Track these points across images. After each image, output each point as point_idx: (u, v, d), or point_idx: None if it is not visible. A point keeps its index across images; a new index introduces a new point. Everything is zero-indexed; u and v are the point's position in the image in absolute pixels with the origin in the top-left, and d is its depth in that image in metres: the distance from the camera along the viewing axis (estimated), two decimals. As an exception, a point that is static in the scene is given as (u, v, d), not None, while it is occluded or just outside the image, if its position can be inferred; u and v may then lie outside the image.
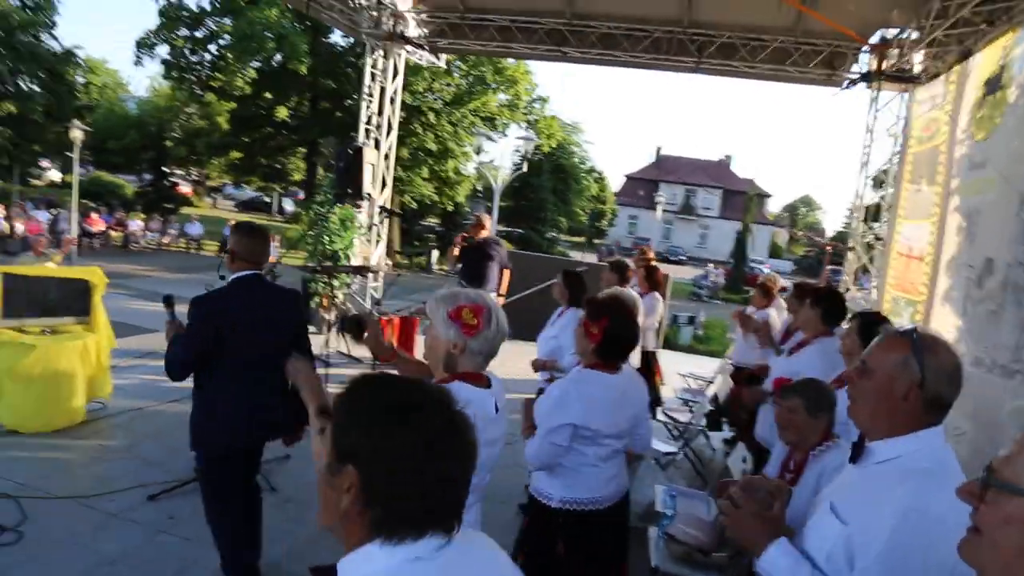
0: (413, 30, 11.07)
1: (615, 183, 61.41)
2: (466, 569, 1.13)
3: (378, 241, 11.60)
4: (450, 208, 32.40)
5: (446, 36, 11.15)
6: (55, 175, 44.90)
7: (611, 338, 2.87)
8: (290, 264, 11.85)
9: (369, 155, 10.80)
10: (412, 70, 23.41)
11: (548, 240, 38.28)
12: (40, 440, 5.32)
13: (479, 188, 33.80)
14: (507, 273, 8.20)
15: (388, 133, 11.61)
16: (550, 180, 38.33)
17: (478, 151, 16.05)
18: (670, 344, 15.07)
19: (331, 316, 9.63)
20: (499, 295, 8.22)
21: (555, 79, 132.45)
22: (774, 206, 70.32)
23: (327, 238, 10.17)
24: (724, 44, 9.69)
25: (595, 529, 2.93)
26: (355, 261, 10.98)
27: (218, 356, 3.31)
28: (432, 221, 38.78)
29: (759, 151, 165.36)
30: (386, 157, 11.67)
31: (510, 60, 25.20)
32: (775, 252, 57.45)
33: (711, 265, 39.28)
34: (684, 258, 50.59)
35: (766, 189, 69.87)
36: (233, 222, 6.09)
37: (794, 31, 9.36)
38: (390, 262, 11.54)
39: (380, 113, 11.45)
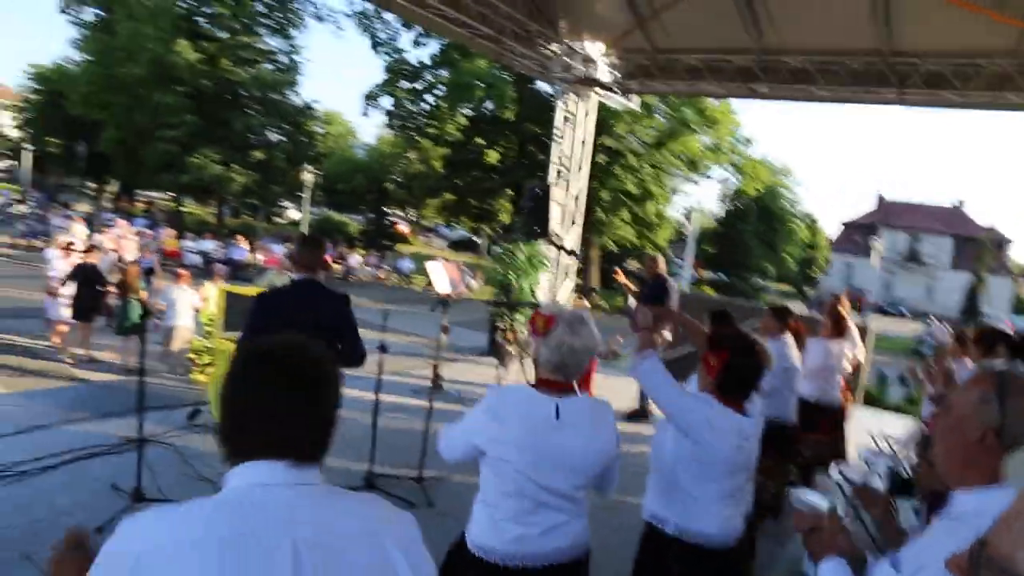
0: (604, 73, 11.36)
1: (831, 230, 58.06)
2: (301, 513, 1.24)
3: (565, 279, 11.87)
4: (651, 251, 32.24)
5: (636, 78, 11.33)
6: (294, 214, 50.17)
7: (730, 373, 2.80)
8: (476, 298, 12.40)
9: (557, 195, 11.16)
10: (612, 113, 23.85)
11: (753, 287, 36.90)
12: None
13: (684, 232, 33.45)
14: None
15: (579, 174, 11.93)
16: (756, 225, 37.07)
17: (674, 193, 16.07)
18: (873, 401, 13.92)
19: (514, 349, 9.97)
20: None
21: (763, 119, 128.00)
22: (1019, 254, 62.64)
23: (513, 274, 10.58)
24: (930, 73, 9.01)
25: (708, 567, 2.86)
26: (541, 298, 11.33)
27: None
28: (634, 265, 38.78)
29: (1000, 194, 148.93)
30: (576, 198, 11.96)
31: (713, 101, 24.91)
32: (1020, 307, 51.08)
33: (932, 318, 35.75)
34: (905, 312, 46.27)
35: (1008, 235, 62.53)
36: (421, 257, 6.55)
37: (1016, 52, 8.48)
38: (586, 302, 11.68)
39: (571, 155, 11.80)
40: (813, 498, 3.52)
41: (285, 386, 1.29)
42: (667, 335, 8.50)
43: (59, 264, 10.65)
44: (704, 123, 26.38)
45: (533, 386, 2.41)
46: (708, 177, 28.81)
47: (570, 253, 10.66)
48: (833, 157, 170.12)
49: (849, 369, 6.86)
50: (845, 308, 7.28)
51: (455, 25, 9.69)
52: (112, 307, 10.65)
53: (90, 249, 11.31)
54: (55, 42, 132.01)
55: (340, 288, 4.48)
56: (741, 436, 2.78)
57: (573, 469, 2.37)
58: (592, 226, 28.35)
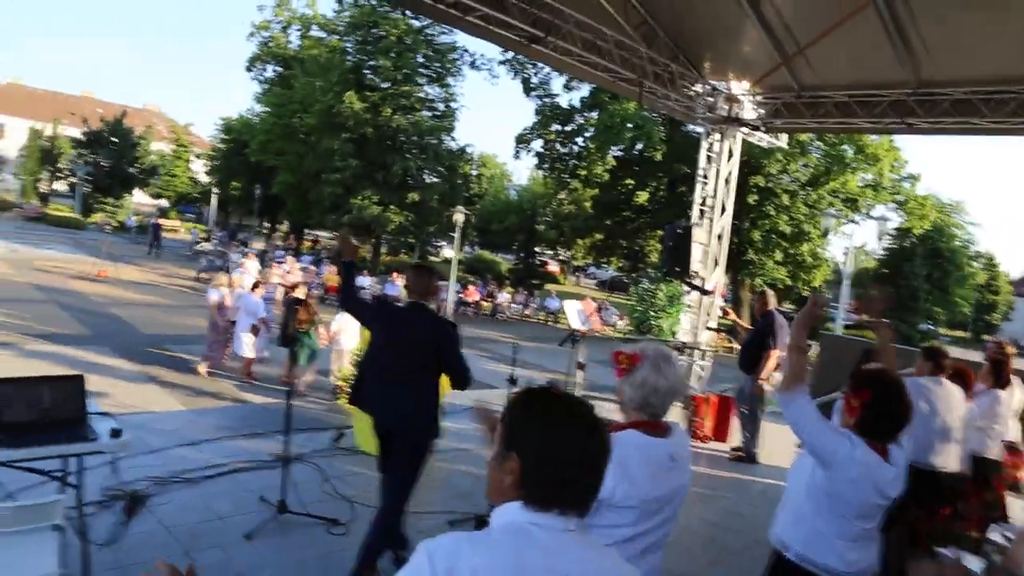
0: (749, 112, 11.21)
1: (1016, 272, 53.25)
2: (570, 555, 1.38)
3: (707, 319, 11.67)
4: (806, 293, 30.95)
5: (782, 116, 11.09)
6: (449, 252, 52.09)
7: (872, 414, 2.71)
8: (614, 336, 12.41)
9: (699, 235, 11.05)
10: (765, 153, 23.27)
11: (921, 333, 34.38)
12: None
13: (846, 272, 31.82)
14: (772, 354, 7.84)
15: (722, 214, 11.76)
16: (924, 266, 34.63)
17: (826, 233, 15.33)
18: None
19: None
20: (759, 378, 7.92)
21: (937, 154, 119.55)
22: None
23: (652, 313, 10.55)
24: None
25: None
26: (682, 337, 11.20)
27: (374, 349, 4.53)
28: (788, 307, 37.25)
29: None
30: (719, 237, 11.79)
31: (873, 137, 23.74)
32: None
33: None
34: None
35: None
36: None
37: None
38: (735, 343, 11.45)
39: (715, 194, 11.67)
40: (965, 559, 3.38)
41: (596, 458, 1.44)
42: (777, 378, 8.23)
43: (259, 305, 11.40)
44: (863, 160, 25.16)
45: (636, 429, 2.33)
46: (869, 216, 27.32)
47: (703, 292, 10.47)
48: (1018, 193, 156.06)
49: (1014, 424, 6.33)
50: (1010, 355, 6.75)
51: (597, 70, 9.93)
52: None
53: (257, 284, 12.36)
54: (243, 97, 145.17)
55: (479, 323, 4.77)
56: (879, 482, 2.70)
57: (673, 501, 2.37)
58: (743, 267, 27.59)
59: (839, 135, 23.21)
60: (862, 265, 40.36)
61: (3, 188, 56.45)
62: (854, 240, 33.99)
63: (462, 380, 4.31)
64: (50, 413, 3.91)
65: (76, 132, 48.26)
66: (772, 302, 8.42)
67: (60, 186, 51.95)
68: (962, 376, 5.48)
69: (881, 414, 2.71)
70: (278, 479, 5.03)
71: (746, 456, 8.37)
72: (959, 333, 42.92)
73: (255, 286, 12.10)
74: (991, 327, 46.98)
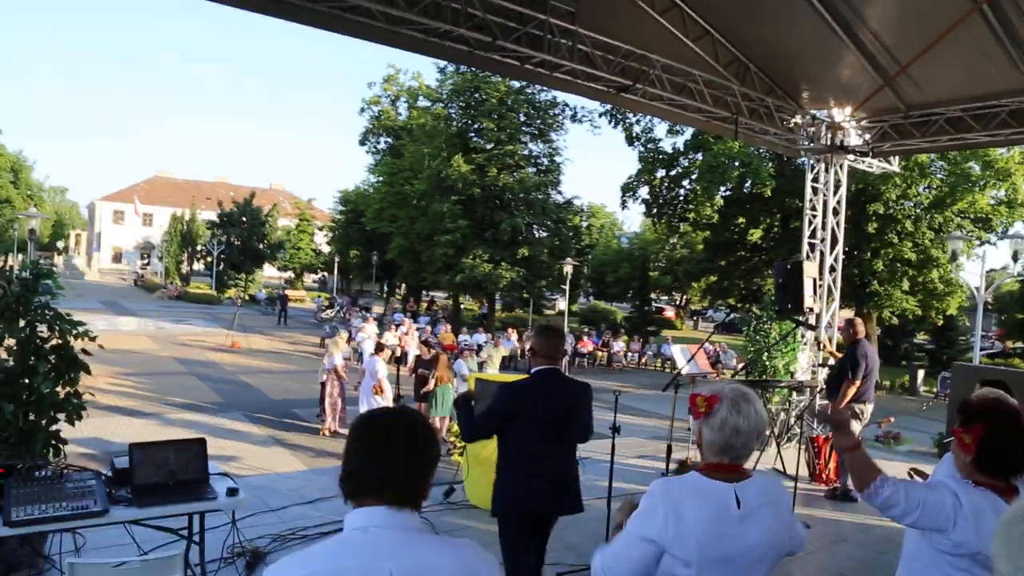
0: (854, 138, 10.86)
1: None
2: (392, 551, 1.54)
3: (826, 358, 11.16)
4: (940, 322, 29.08)
5: (890, 139, 10.68)
6: (563, 305, 52.30)
7: (989, 449, 2.45)
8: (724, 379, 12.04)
9: (810, 269, 10.65)
10: (880, 179, 22.27)
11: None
12: (491, 516, 6.40)
13: (990, 299, 29.73)
14: (851, 385, 7.40)
15: (833, 246, 11.33)
16: (1076, 285, 31.89)
17: (954, 257, 14.42)
18: None
19: (772, 432, 9.56)
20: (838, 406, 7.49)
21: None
22: None
23: (766, 353, 10.20)
24: None
25: None
26: (800, 376, 10.75)
27: (514, 433, 4.00)
28: (923, 338, 35.13)
29: None
30: (832, 270, 11.35)
31: (1001, 151, 22.29)
32: None
33: None
34: None
35: None
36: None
37: None
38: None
39: (824, 226, 11.29)
40: None
41: (388, 443, 1.64)
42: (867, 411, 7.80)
43: (381, 367, 11.75)
44: (992, 176, 23.58)
45: (702, 472, 2.21)
46: (1005, 235, 25.47)
47: (808, 327, 10.03)
48: None
49: None
50: None
51: (689, 111, 9.90)
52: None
53: (381, 348, 12.99)
54: (358, 169, 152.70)
55: (594, 373, 4.72)
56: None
57: (761, 560, 2.19)
58: (868, 299, 26.24)
59: (962, 152, 21.94)
60: (1003, 288, 37.57)
61: (151, 271, 61.49)
62: (990, 262, 31.70)
63: (585, 440, 4.26)
64: (175, 475, 4.19)
65: (212, 215, 52.13)
66: (861, 331, 8.04)
67: (198, 266, 55.96)
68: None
69: (999, 447, 2.45)
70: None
71: (840, 494, 7.90)
72: None
73: (379, 349, 12.75)
74: None
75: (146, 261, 69.47)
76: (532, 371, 4.15)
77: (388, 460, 1.61)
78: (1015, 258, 14.42)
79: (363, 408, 11.68)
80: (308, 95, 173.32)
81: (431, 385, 11.64)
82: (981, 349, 25.03)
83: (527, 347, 22.02)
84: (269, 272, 60.53)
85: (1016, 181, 23.81)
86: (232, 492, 4.16)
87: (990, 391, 3.99)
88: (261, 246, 51.55)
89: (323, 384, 12.15)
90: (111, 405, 12.35)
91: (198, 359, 20.57)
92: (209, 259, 51.40)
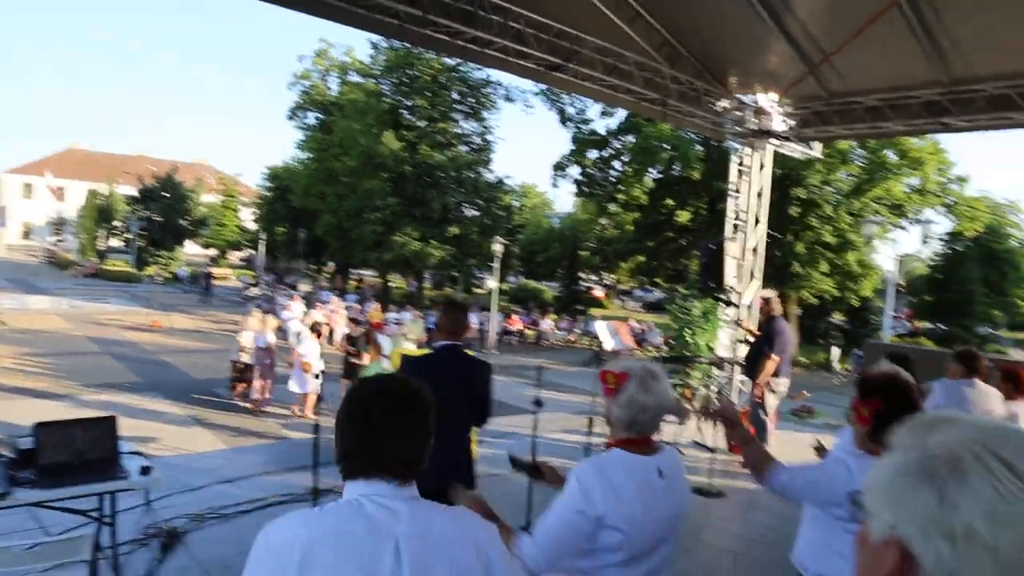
0: (778, 124, 11.09)
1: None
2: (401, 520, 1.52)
3: (745, 335, 11.47)
4: (856, 303, 30.26)
5: (813, 125, 10.96)
6: (492, 283, 52.36)
7: (884, 422, 2.48)
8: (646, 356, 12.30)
9: (732, 249, 10.91)
10: (805, 164, 22.96)
11: (979, 337, 33.21)
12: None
13: (902, 282, 31.10)
14: (769, 360, 7.68)
15: (756, 227, 11.62)
16: (978, 269, 33.55)
17: (868, 240, 15.00)
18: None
19: (692, 406, 9.80)
20: (755, 383, 7.77)
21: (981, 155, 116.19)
22: None
23: (688, 330, 10.43)
24: None
25: None
26: (721, 352, 11.02)
27: None
28: (839, 318, 36.46)
29: None
30: (754, 251, 11.63)
31: (915, 141, 23.26)
32: None
33: None
34: None
35: None
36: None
37: None
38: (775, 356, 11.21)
39: (748, 208, 11.55)
40: None
41: (392, 415, 1.60)
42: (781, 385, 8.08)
43: (311, 346, 11.72)
44: (907, 165, 24.60)
45: (622, 448, 2.28)
46: (917, 222, 26.70)
47: (728, 303, 10.30)
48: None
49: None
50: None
51: (620, 92, 9.96)
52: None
53: (317, 327, 12.96)
54: (286, 145, 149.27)
55: (523, 351, 4.68)
56: None
57: (676, 523, 2.34)
58: (789, 280, 27.12)
59: (880, 140, 22.81)
60: (915, 271, 39.34)
61: (64, 248, 58.82)
62: (902, 247, 33.12)
63: (483, 420, 4.14)
64: (83, 454, 4.01)
65: (131, 190, 50.09)
66: (777, 308, 8.31)
67: (116, 243, 53.85)
68: (1013, 377, 5.29)
69: (893, 421, 2.61)
70: (311, 512, 5.07)
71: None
72: (1022, 335, 41.29)
73: (314, 328, 12.80)
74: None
75: (59, 237, 66.28)
76: (434, 346, 4.12)
77: (391, 434, 1.57)
78: (924, 242, 15.16)
79: (293, 386, 11.55)
80: (235, 67, 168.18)
81: (366, 360, 11.51)
82: (892, 329, 26.24)
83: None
84: (192, 249, 58.63)
85: (928, 170, 24.89)
86: (146, 471, 4.01)
87: (889, 366, 4.18)
88: (184, 222, 49.78)
89: (235, 362, 12.34)
90: (16, 387, 11.83)
91: (115, 338, 19.82)
92: (128, 236, 49.46)
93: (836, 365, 27.07)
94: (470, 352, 4.20)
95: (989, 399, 4.86)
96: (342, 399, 1.65)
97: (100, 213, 51.38)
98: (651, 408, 2.25)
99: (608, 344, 7.65)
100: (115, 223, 51.94)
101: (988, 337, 34.23)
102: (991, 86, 9.01)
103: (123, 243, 52.17)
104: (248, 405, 11.78)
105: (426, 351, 4.79)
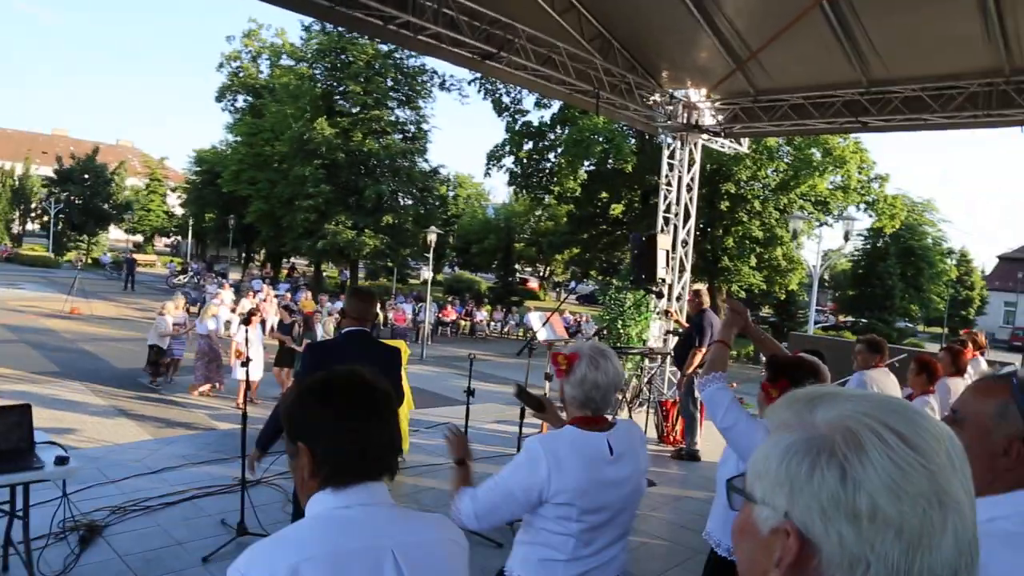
0: (708, 119, 11.36)
1: (989, 266, 54.01)
2: (388, 527, 1.43)
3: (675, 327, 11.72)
4: (782, 297, 31.20)
5: (740, 120, 11.24)
6: (427, 274, 52.09)
7: None
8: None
9: (663, 242, 11.12)
10: (735, 160, 23.50)
11: (898, 331, 34.70)
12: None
13: (826, 276, 32.16)
14: (699, 351, 7.97)
15: (686, 221, 11.87)
16: (897, 265, 35.01)
17: (795, 235, 15.54)
18: None
19: (619, 395, 9.96)
20: (683, 373, 8.06)
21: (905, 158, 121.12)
22: None
23: (620, 321, 10.59)
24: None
25: None
26: (652, 344, 11.25)
27: None
28: (767, 311, 37.52)
29: None
30: (684, 244, 11.89)
31: (839, 140, 24.08)
32: None
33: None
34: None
35: None
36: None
37: None
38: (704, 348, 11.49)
39: (678, 202, 11.78)
40: None
41: (379, 422, 1.47)
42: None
43: (241, 335, 11.74)
44: (831, 162, 25.46)
45: (575, 425, 2.36)
46: (840, 218, 27.66)
47: (658, 296, 10.52)
48: (989, 187, 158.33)
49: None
50: (979, 343, 6.94)
51: (553, 83, 10.02)
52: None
53: (251, 316, 12.96)
54: (215, 128, 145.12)
55: (457, 342, 4.69)
56: None
57: (633, 496, 2.41)
58: (719, 273, 27.78)
59: (806, 138, 23.54)
60: (838, 267, 40.76)
61: (-26, 230, 55.91)
62: (826, 243, 34.28)
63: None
64: (-6, 444, 3.87)
65: (49, 171, 47.89)
66: (707, 301, 8.54)
67: (33, 226, 51.52)
68: (928, 367, 5.59)
69: None
70: (238, 502, 4.99)
71: (686, 454, 8.42)
72: (936, 329, 43.31)
73: (250, 316, 12.60)
74: (967, 322, 47.47)
75: (-31, 220, 62.99)
76: (341, 331, 4.12)
77: (368, 432, 1.44)
78: (847, 238, 15.76)
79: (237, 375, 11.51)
80: (160, 44, 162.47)
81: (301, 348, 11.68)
82: (816, 322, 27.17)
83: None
84: (116, 235, 56.51)
85: (850, 168, 25.81)
86: (61, 461, 3.89)
87: (804, 356, 4.40)
88: (106, 206, 47.79)
89: (154, 347, 12.58)
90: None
91: (31, 326, 19.01)
92: (46, 219, 47.34)
93: (763, 358, 27.82)
94: (390, 341, 4.24)
95: (883, 383, 5.15)
96: (290, 390, 1.56)
97: (14, 194, 49.00)
98: (602, 386, 2.33)
99: (541, 335, 7.73)
100: (32, 205, 49.61)
101: (906, 331, 35.80)
102: (906, 88, 9.41)
103: (40, 227, 49.93)
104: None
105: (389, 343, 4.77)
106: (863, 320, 34.74)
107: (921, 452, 0.73)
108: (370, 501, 1.42)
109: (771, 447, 0.80)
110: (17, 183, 48.92)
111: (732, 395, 2.82)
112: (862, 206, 28.57)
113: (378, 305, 4.46)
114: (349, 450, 1.41)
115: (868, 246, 36.35)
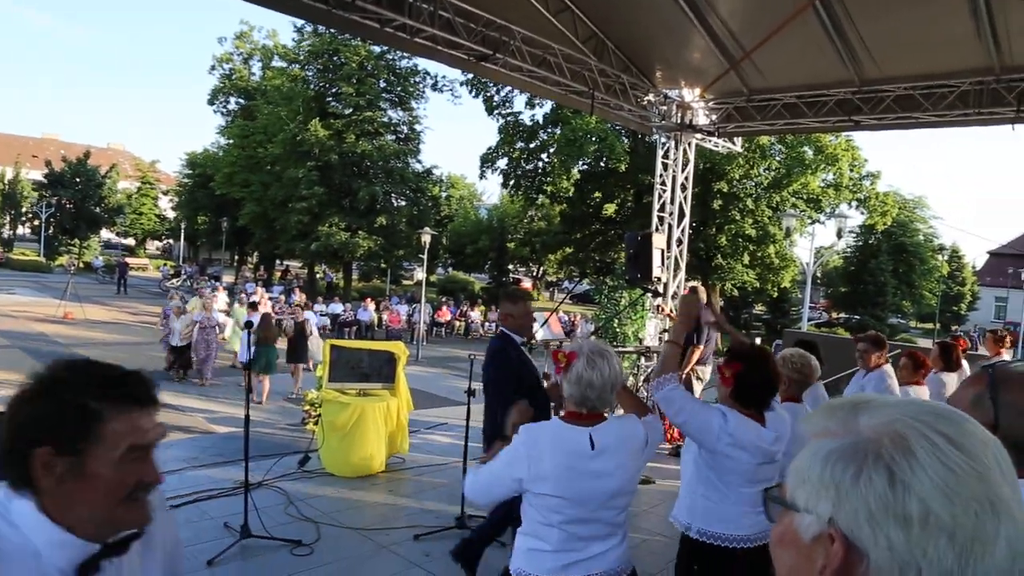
0: (701, 118, 11.41)
1: (979, 262, 54.36)
2: None
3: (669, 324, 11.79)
4: (775, 294, 31.32)
5: (734, 120, 11.30)
6: (420, 275, 52.05)
7: (743, 384, 2.92)
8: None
9: (658, 241, 11.17)
10: (727, 159, 23.59)
11: (890, 327, 34.87)
12: (346, 482, 6.40)
13: (819, 273, 32.34)
14: (695, 350, 8.02)
15: (680, 220, 11.92)
16: (889, 262, 35.19)
17: (788, 233, 15.63)
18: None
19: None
20: (682, 373, 8.09)
21: (899, 153, 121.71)
22: None
23: (616, 320, 10.64)
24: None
25: (731, 566, 2.93)
26: (648, 342, 11.29)
27: None
28: (760, 309, 37.67)
29: None
30: (679, 242, 11.94)
31: (830, 138, 24.21)
32: None
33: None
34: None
35: None
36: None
37: None
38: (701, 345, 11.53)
39: (673, 201, 11.84)
40: None
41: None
42: (706, 372, 8.40)
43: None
44: (823, 160, 25.60)
45: (563, 420, 2.46)
46: (832, 215, 27.82)
47: (654, 294, 10.56)
48: (984, 183, 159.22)
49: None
50: (963, 346, 7.02)
51: (548, 84, 10.05)
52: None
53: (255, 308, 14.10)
54: (207, 131, 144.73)
55: (452, 342, 4.77)
56: (759, 446, 2.89)
57: (617, 493, 2.44)
58: (713, 272, 27.89)
59: (797, 137, 23.68)
60: (831, 264, 40.94)
61: (-35, 235, 55.61)
62: (819, 240, 34.44)
63: None
64: None
65: (39, 175, 47.66)
66: (701, 296, 8.56)
67: (24, 230, 51.28)
68: (916, 360, 5.67)
69: (751, 383, 2.92)
70: (242, 505, 5.01)
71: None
72: (928, 325, 43.54)
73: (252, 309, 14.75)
74: (959, 318, 47.75)
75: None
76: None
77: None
78: (839, 235, 15.85)
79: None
80: (152, 48, 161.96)
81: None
82: (809, 319, 27.26)
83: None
84: (108, 238, 56.30)
85: (842, 166, 25.95)
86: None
87: (793, 349, 4.50)
88: (98, 210, 47.63)
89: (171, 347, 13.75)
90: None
91: (24, 331, 18.96)
92: (37, 223, 47.12)
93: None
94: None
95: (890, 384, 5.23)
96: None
97: (5, 198, 48.77)
98: (598, 385, 2.40)
99: (538, 334, 7.76)
100: (23, 209, 49.36)
101: (898, 327, 36.00)
102: (898, 86, 9.49)
103: (31, 231, 49.69)
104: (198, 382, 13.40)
105: (380, 344, 4.84)
106: (856, 317, 34.91)
107: (970, 455, 0.72)
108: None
109: (812, 453, 0.79)
110: (7, 187, 48.71)
111: (683, 391, 2.95)
112: (854, 203, 28.73)
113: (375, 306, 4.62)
114: None
115: (860, 243, 36.56)
